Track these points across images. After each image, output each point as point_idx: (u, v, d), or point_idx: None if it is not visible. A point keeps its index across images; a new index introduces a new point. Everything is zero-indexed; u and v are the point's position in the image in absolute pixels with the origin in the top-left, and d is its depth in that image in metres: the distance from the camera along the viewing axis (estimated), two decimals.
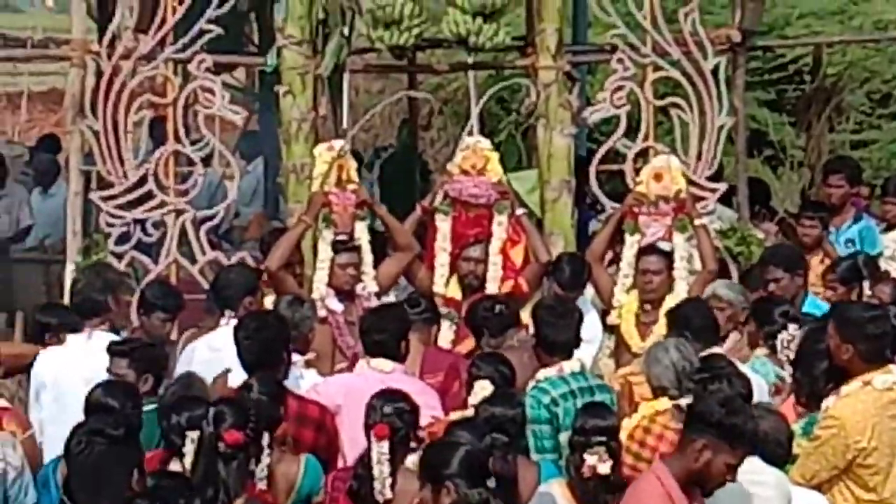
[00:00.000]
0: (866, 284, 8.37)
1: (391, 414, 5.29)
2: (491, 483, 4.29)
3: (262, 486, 5.11)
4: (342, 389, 6.30)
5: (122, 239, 8.67)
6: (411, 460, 5.23)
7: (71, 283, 8.28)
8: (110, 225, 8.71)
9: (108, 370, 6.15)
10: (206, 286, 8.27)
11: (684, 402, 5.56)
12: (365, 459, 5.23)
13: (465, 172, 8.51)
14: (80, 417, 5.40)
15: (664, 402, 5.80)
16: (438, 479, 4.19)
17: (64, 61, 9.39)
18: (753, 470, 4.85)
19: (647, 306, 7.98)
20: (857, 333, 5.72)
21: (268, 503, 5.05)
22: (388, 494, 5.12)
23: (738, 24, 9.82)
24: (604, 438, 5.07)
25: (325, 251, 8.08)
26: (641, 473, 5.30)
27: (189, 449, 4.86)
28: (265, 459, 5.18)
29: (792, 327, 6.73)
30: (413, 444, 5.35)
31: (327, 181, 8.27)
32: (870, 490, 5.49)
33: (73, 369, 6.81)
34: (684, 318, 6.80)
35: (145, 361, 6.22)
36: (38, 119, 14.39)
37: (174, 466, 4.97)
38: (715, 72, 9.03)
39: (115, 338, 6.90)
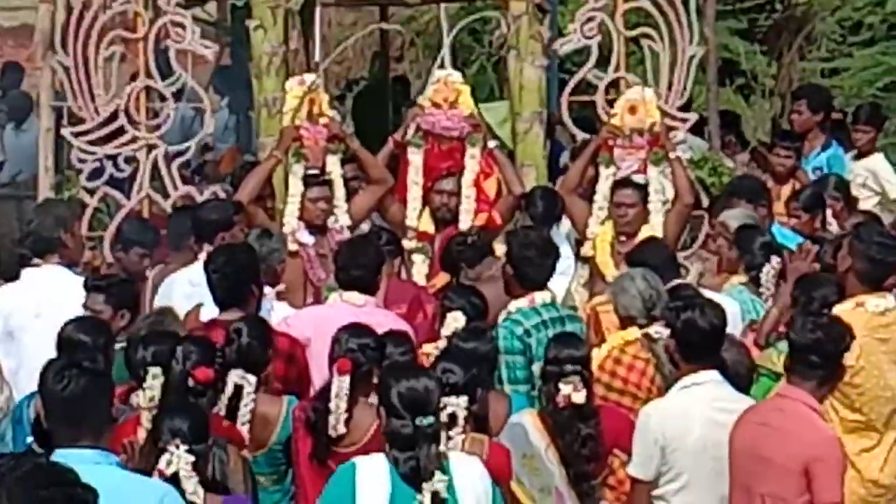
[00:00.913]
0: (829, 212, 8.54)
1: (355, 349, 5.34)
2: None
3: (245, 428, 5.21)
4: (312, 322, 6.30)
5: (95, 174, 8.69)
6: None
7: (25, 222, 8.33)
8: (82, 161, 8.72)
9: (85, 305, 6.16)
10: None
11: (653, 330, 5.72)
12: (325, 392, 5.33)
13: (436, 105, 8.47)
14: (33, 351, 6.17)
15: (633, 332, 5.87)
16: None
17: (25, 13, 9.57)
18: (725, 398, 5.09)
19: (623, 237, 8.00)
20: (861, 252, 5.85)
21: (234, 439, 5.02)
22: (342, 429, 5.18)
23: None
24: (577, 368, 5.22)
25: (295, 185, 8.10)
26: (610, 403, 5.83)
27: (150, 384, 4.93)
28: (250, 402, 5.30)
29: (775, 260, 6.82)
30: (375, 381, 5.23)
31: (299, 115, 8.26)
32: (855, 410, 5.54)
33: (24, 304, 6.85)
34: (641, 256, 6.93)
35: (122, 297, 6.24)
36: (8, 55, 14.38)
37: (134, 401, 5.08)
38: (685, 1, 9.02)
39: (68, 272, 6.95)
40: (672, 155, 8.46)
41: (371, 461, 4.55)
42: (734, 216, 7.76)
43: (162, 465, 4.34)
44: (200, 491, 4.36)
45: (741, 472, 5.09)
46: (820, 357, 4.96)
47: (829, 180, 9.15)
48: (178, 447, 4.34)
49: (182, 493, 4.25)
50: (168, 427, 4.47)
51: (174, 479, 4.31)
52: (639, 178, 8.25)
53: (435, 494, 4.28)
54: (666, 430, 5.08)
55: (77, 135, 8.72)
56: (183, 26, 8.66)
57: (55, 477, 2.75)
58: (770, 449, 4.97)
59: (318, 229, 7.84)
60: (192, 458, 4.35)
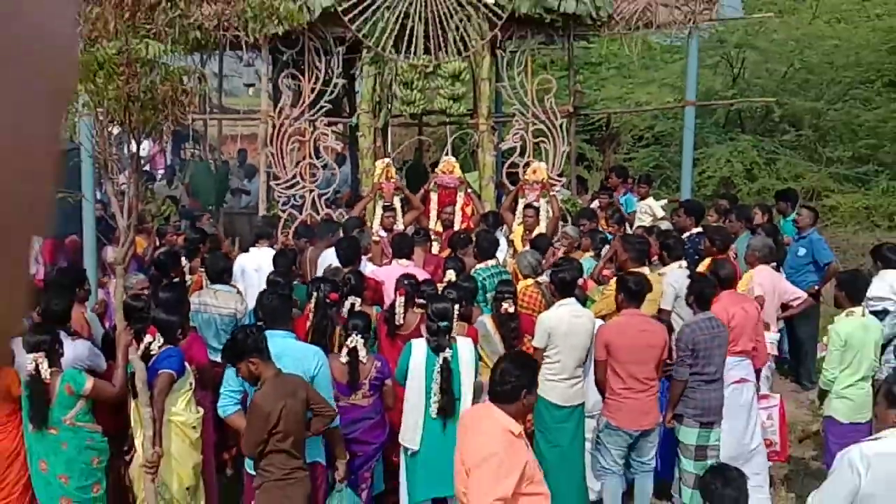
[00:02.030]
0: (628, 225, 10.75)
1: (406, 284, 6.84)
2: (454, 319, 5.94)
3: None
4: (384, 273, 7.87)
5: (285, 203, 10.57)
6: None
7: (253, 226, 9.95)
8: (279, 196, 10.62)
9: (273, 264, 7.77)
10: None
11: (540, 279, 7.69)
12: (392, 306, 6.85)
13: (443, 172, 10.65)
14: (255, 284, 7.80)
15: (530, 281, 7.70)
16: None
17: (257, 119, 11.13)
18: (577, 311, 6.66)
19: (527, 233, 9.67)
20: (629, 245, 7.67)
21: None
22: (400, 321, 6.73)
23: (572, 103, 11.98)
24: (510, 295, 6.92)
25: (378, 211, 10.08)
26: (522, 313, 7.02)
27: (313, 301, 6.44)
28: (358, 308, 6.58)
29: (605, 247, 8.63)
30: (420, 301, 6.75)
31: (380, 177, 10.25)
32: None
33: (250, 262, 8.58)
34: (535, 243, 8.75)
35: (285, 259, 7.95)
36: (251, 148, 16.72)
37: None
38: (561, 126, 11.16)
39: (270, 249, 8.52)
40: (551, 194, 10.50)
41: (418, 342, 6.02)
42: (570, 229, 9.46)
43: (351, 340, 5.91)
44: (363, 351, 5.95)
45: (622, 354, 6.36)
46: (637, 290, 6.53)
47: (622, 210, 11.12)
48: (357, 335, 5.95)
49: (357, 354, 5.90)
50: (352, 322, 6.09)
51: (352, 352, 5.91)
52: (536, 204, 10.28)
53: (445, 359, 5.86)
54: (551, 324, 6.54)
55: (277, 184, 10.62)
56: (327, 134, 10.78)
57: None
58: (647, 340, 6.35)
59: (387, 230, 9.53)
60: (362, 340, 5.96)
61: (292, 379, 5.10)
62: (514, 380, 4.43)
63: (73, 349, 5.81)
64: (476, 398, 5.88)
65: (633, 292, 6.44)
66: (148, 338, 5.66)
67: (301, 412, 5.03)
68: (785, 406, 7.53)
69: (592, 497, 6.84)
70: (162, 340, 5.62)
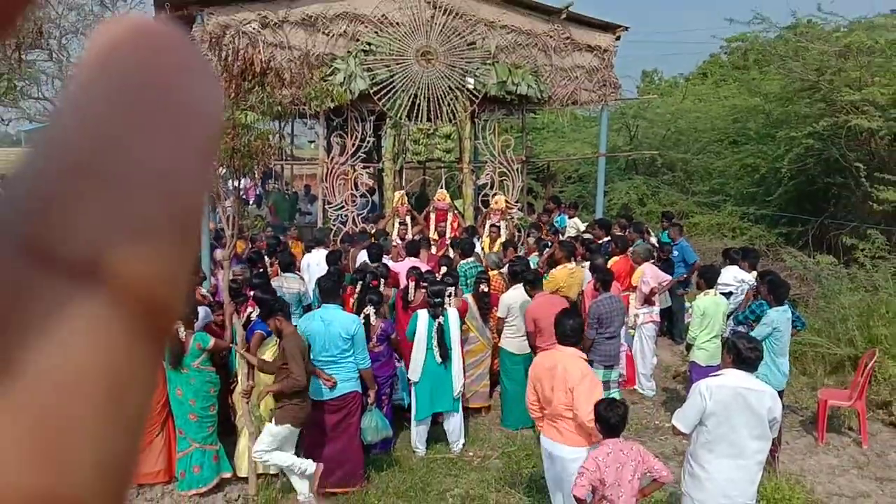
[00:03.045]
0: (560, 235, 10.27)
1: (415, 273, 6.94)
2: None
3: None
4: (401, 266, 7.77)
5: (335, 220, 10.34)
6: None
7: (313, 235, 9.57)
8: (331, 215, 10.45)
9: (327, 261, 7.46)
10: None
11: (501, 271, 7.68)
12: (406, 288, 6.90)
13: (439, 200, 10.36)
14: (314, 274, 7.48)
15: (495, 272, 7.69)
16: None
17: (317, 164, 10.82)
18: (524, 294, 7.12)
19: (492, 243, 9.65)
20: (564, 246, 7.75)
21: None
22: (411, 298, 6.73)
23: (525, 152, 12.07)
24: (485, 280, 7.06)
25: (396, 225, 9.91)
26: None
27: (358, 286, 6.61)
28: (384, 290, 6.69)
29: (546, 250, 8.52)
30: (424, 285, 6.65)
31: (397, 203, 10.07)
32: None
33: (312, 259, 8.33)
34: (499, 250, 8.90)
35: (334, 257, 7.61)
36: (312, 183, 15.60)
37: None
38: (517, 169, 11.23)
39: (324, 251, 8.18)
40: (507, 216, 10.54)
41: (422, 311, 6.24)
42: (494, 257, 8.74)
43: (366, 310, 6.10)
44: (373, 316, 6.07)
45: (542, 322, 6.16)
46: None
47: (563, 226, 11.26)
48: (371, 307, 6.11)
49: (369, 318, 6.00)
50: (368, 298, 6.21)
51: (367, 317, 6.00)
52: (497, 224, 10.13)
53: (439, 323, 6.10)
54: (508, 301, 6.85)
55: (330, 207, 10.46)
56: (363, 174, 10.57)
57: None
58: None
59: (402, 238, 9.32)
60: (374, 309, 6.08)
61: (300, 336, 5.25)
62: (577, 327, 4.66)
63: (202, 311, 6.06)
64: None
65: (534, 283, 6.69)
66: (249, 308, 5.77)
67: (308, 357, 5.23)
68: (632, 356, 7.75)
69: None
70: (258, 311, 5.65)
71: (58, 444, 0.14)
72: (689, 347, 7.05)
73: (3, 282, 0.15)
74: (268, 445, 5.12)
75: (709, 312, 6.66)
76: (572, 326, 4.63)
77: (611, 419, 3.92)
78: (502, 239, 9.67)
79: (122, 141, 0.16)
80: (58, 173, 0.16)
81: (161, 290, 0.16)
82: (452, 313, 6.19)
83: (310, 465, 5.29)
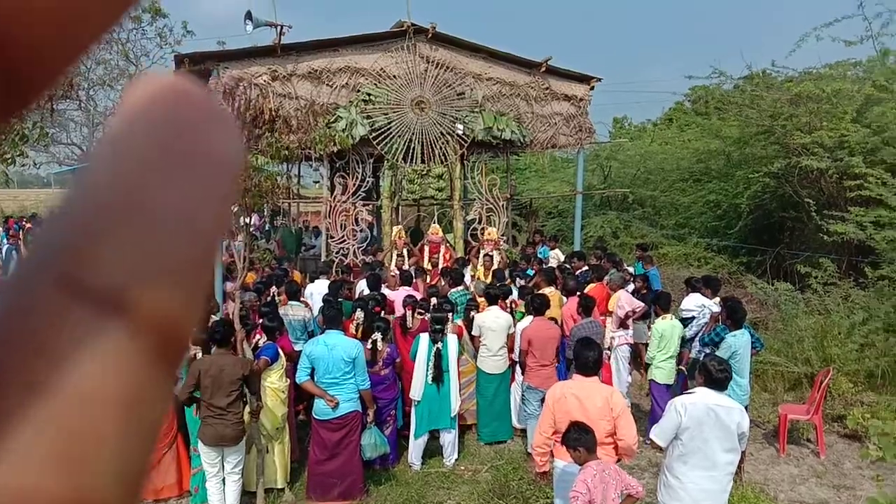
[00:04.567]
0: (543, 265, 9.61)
1: (410, 301, 6.87)
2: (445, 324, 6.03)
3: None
4: (397, 295, 7.63)
5: (337, 253, 10.27)
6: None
7: (316, 267, 10.06)
8: (334, 248, 10.38)
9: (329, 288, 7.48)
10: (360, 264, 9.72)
11: (485, 298, 7.31)
12: (403, 316, 6.80)
13: (433, 234, 10.48)
14: (315, 302, 7.63)
15: (482, 299, 7.44)
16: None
17: (321, 202, 10.83)
18: (503, 313, 6.90)
19: (486, 271, 9.36)
20: (544, 273, 7.87)
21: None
22: (409, 324, 6.65)
23: (510, 190, 12.04)
24: (474, 307, 7.09)
25: (393, 257, 9.98)
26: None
27: (359, 315, 6.36)
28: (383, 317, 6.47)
29: (520, 282, 8.49)
30: (420, 311, 6.68)
31: (394, 237, 10.17)
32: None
33: (314, 289, 8.22)
34: (492, 278, 8.55)
35: (335, 288, 7.41)
36: (312, 220, 15.78)
37: (358, 315, 6.25)
38: (503, 206, 11.20)
39: (326, 280, 8.21)
40: (498, 247, 10.54)
41: (424, 336, 6.20)
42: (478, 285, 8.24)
43: (374, 336, 5.98)
44: (381, 342, 5.94)
45: (535, 343, 6.23)
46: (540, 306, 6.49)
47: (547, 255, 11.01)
48: (378, 333, 5.99)
49: (376, 344, 5.87)
50: (375, 325, 6.03)
51: (374, 342, 5.91)
52: (491, 253, 10.02)
53: (437, 349, 6.09)
54: (480, 321, 6.73)
55: (332, 241, 10.40)
56: (362, 211, 10.50)
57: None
58: (549, 335, 6.32)
59: (398, 269, 9.09)
60: (381, 336, 5.96)
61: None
62: (598, 359, 4.45)
63: None
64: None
65: (538, 308, 6.51)
66: (257, 336, 5.69)
67: None
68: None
69: (518, 426, 6.88)
70: (266, 338, 5.61)
71: (82, 455, 0.15)
72: (647, 367, 7.00)
73: (39, 309, 0.16)
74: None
75: (665, 335, 6.62)
76: (594, 358, 4.42)
77: (587, 441, 3.85)
78: (495, 267, 9.61)
79: (152, 186, 0.17)
80: (91, 214, 0.17)
81: (178, 320, 0.17)
82: (451, 339, 6.15)
83: None
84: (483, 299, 7.46)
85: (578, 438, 3.82)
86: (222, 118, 0.19)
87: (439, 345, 5.98)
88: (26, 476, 0.15)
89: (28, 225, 15.95)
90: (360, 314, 6.31)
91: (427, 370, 6.04)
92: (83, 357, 0.16)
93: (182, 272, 0.17)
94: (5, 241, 14.47)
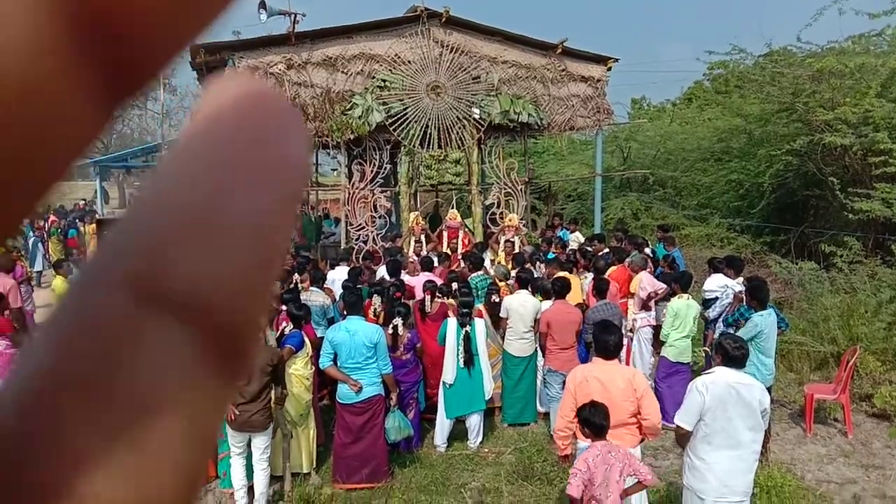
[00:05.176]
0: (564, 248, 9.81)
1: (429, 286, 6.85)
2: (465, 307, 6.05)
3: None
4: (416, 280, 7.57)
5: (356, 240, 10.28)
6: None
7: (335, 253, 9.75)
8: (353, 235, 10.43)
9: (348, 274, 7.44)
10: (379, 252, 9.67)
11: (508, 282, 7.55)
12: (423, 300, 6.78)
13: (451, 219, 10.38)
14: (336, 287, 7.40)
15: (502, 282, 7.59)
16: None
17: (339, 189, 10.89)
18: (529, 297, 6.69)
19: (507, 256, 9.30)
20: (556, 261, 7.99)
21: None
22: (429, 309, 6.65)
23: (528, 174, 12.04)
24: (495, 291, 7.14)
25: (411, 242, 9.88)
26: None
27: (376, 300, 6.53)
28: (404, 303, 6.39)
29: (541, 266, 8.28)
30: (439, 296, 6.68)
31: (413, 223, 10.15)
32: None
33: (334, 275, 8.00)
34: (512, 263, 8.44)
35: (355, 274, 7.51)
36: (332, 207, 15.57)
37: (376, 302, 6.41)
38: (521, 190, 11.17)
39: (346, 268, 8.07)
40: (519, 232, 10.49)
41: (452, 319, 6.19)
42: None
43: (394, 321, 6.03)
44: (401, 327, 6.01)
45: (555, 326, 6.23)
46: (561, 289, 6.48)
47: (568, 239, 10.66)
48: (399, 318, 6.05)
49: (397, 329, 5.91)
50: (396, 310, 6.11)
51: (395, 327, 5.97)
52: (512, 239, 10.03)
53: (466, 332, 6.10)
54: (508, 304, 6.73)
55: (352, 228, 10.49)
56: (381, 198, 10.48)
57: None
58: (569, 319, 6.31)
59: (417, 255, 9.09)
60: (402, 321, 6.02)
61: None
62: (619, 343, 4.50)
63: None
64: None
65: (559, 292, 6.52)
66: (283, 324, 5.74)
67: None
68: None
69: (541, 410, 6.86)
70: (291, 325, 5.64)
71: (148, 465, 0.16)
72: (661, 345, 7.03)
73: (112, 314, 0.16)
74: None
75: (680, 314, 6.60)
76: (614, 342, 4.43)
77: (596, 421, 3.84)
78: (517, 251, 9.55)
79: (225, 192, 0.17)
80: (164, 219, 0.17)
81: (245, 330, 0.17)
82: (479, 323, 6.18)
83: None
84: (504, 283, 7.38)
85: (587, 420, 3.85)
86: (296, 123, 0.19)
87: (467, 328, 6.01)
88: (105, 488, 0.15)
89: (52, 218, 16.04)
90: (376, 299, 6.36)
91: (458, 354, 6.06)
92: (152, 363, 0.16)
93: (251, 278, 0.17)
94: (32, 233, 14.66)
